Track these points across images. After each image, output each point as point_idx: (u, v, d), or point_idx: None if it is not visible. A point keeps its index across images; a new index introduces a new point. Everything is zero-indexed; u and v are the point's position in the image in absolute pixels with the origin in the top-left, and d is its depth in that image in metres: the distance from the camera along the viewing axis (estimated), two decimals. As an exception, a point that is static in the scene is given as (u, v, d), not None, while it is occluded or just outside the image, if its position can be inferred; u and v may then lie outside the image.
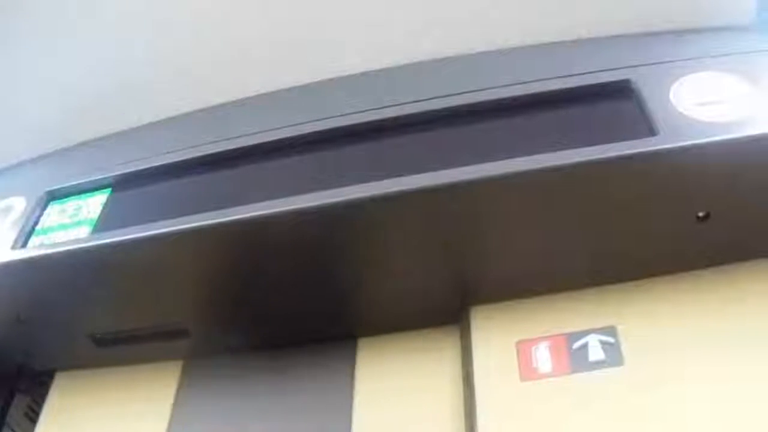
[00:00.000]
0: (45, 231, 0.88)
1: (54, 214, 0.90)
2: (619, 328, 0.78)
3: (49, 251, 0.84)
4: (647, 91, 0.77)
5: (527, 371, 0.78)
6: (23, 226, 0.88)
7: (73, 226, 0.87)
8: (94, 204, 0.89)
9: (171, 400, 0.92)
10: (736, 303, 0.77)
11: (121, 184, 0.90)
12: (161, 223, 0.80)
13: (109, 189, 0.90)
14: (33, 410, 1.00)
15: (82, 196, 0.90)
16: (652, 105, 0.75)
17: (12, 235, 0.87)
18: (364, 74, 0.94)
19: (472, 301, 0.85)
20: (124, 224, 0.83)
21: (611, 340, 0.77)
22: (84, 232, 0.85)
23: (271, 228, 0.79)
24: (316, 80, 0.96)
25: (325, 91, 0.95)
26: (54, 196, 0.92)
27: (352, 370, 0.88)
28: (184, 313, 0.89)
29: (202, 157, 0.88)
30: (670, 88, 0.77)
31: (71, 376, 0.98)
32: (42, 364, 0.99)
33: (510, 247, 0.80)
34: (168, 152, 0.90)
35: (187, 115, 0.99)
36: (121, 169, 0.90)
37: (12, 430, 0.98)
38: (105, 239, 0.82)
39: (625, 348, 0.77)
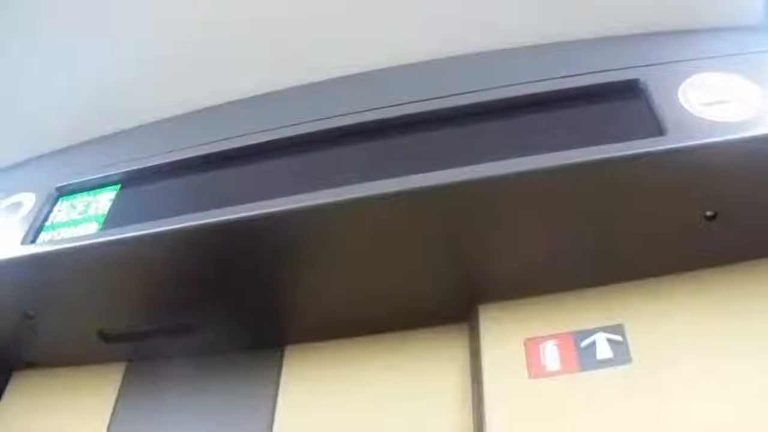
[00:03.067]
0: (54, 227, 0.88)
1: (63, 210, 0.90)
2: (627, 326, 0.78)
3: (59, 247, 0.85)
4: (655, 91, 0.77)
5: (535, 369, 0.78)
6: (33, 222, 0.88)
7: (83, 222, 0.87)
8: (103, 200, 0.89)
9: (113, 400, 0.93)
10: (744, 302, 0.77)
11: (130, 180, 0.90)
12: (170, 219, 0.81)
13: (118, 185, 0.90)
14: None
15: (92, 192, 0.91)
16: (661, 105, 0.76)
17: (22, 230, 0.88)
18: (364, 74, 0.95)
19: (480, 300, 0.85)
20: (132, 221, 0.83)
21: (619, 338, 0.77)
22: (93, 228, 0.86)
23: (276, 225, 0.79)
24: (316, 80, 0.97)
25: (327, 91, 0.95)
26: (63, 192, 0.92)
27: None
28: (192, 310, 0.89)
29: (211, 154, 0.88)
30: (679, 88, 0.77)
31: (27, 375, 0.99)
32: (49, 360, 0.99)
33: (518, 246, 0.80)
34: (177, 149, 0.90)
35: (195, 112, 0.99)
36: (130, 165, 0.91)
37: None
38: (114, 235, 0.83)
39: (633, 346, 0.77)
